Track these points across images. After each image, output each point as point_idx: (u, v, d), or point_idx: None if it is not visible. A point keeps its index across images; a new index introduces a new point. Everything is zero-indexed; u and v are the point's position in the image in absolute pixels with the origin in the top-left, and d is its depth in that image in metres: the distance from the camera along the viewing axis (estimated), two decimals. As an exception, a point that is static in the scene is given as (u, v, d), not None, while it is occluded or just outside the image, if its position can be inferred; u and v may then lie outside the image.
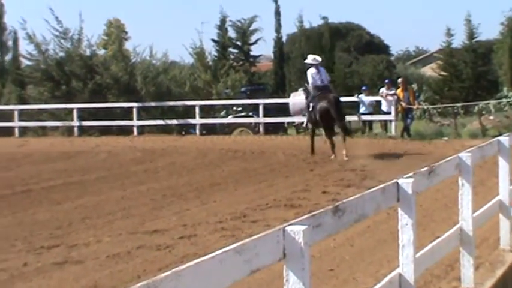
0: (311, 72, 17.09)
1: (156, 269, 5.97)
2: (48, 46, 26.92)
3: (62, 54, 27.02)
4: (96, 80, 26.15)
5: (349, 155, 15.25)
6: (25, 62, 28.99)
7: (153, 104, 25.17)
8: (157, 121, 24.49)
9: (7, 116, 25.40)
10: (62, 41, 26.82)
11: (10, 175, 13.61)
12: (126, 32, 27.93)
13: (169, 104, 25.38)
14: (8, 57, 29.69)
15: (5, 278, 5.91)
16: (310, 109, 16.92)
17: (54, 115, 25.87)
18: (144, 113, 25.02)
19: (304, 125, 18.22)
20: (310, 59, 17.39)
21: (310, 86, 17.14)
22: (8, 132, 24.64)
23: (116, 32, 27.39)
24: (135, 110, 24.02)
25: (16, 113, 25.03)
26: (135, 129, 23.86)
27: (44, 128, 25.76)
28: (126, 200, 10.26)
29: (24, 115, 25.60)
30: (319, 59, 17.40)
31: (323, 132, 16.82)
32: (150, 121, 24.51)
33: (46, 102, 26.15)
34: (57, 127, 25.39)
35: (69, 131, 24.68)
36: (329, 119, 16.26)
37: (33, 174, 13.62)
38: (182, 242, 7.25)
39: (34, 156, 18.04)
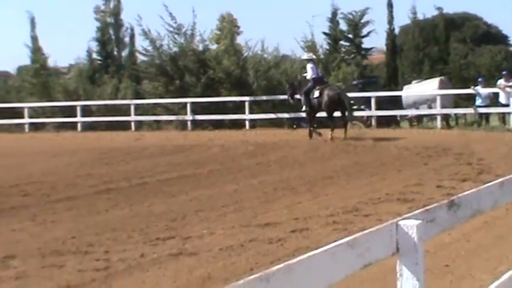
0: (310, 66, 20.28)
1: (268, 262, 6.03)
2: (162, 42, 27.65)
3: (175, 49, 27.67)
4: (209, 75, 26.57)
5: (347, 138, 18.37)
6: (140, 58, 29.92)
7: (264, 97, 25.37)
8: (268, 115, 24.68)
9: (124, 110, 26.32)
10: (175, 36, 27.47)
11: (127, 168, 14.09)
12: (238, 27, 28.29)
13: (280, 97, 25.51)
14: (124, 53, 30.74)
15: (123, 268, 6.13)
16: (315, 96, 19.69)
17: (168, 109, 26.56)
18: (255, 107, 25.27)
19: (304, 109, 20.62)
20: (308, 55, 21.25)
21: (309, 78, 20.07)
22: (124, 126, 25.51)
23: (228, 27, 27.79)
24: (247, 104, 24.30)
25: (132, 107, 25.88)
26: (247, 123, 24.15)
27: (158, 122, 26.50)
28: (238, 193, 10.41)
29: (139, 109, 26.44)
30: (314, 56, 21.72)
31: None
32: (261, 115, 24.72)
33: (160, 97, 26.88)
34: (171, 121, 26.04)
35: (182, 125, 25.28)
36: (337, 105, 19.33)
37: (149, 168, 14.04)
38: (294, 235, 7.28)
39: (149, 149, 18.59)
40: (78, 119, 26.74)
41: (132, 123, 25.65)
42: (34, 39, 30.27)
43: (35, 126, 27.78)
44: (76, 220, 8.37)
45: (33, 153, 18.20)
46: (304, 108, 20.75)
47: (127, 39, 30.54)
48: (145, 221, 8.26)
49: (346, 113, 19.61)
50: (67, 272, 5.98)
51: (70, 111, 26.99)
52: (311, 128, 20.11)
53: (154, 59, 28.01)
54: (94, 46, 30.35)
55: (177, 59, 27.35)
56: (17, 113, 27.96)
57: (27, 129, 27.37)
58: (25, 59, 31.62)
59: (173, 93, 26.79)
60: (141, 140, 21.90)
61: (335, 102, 19.58)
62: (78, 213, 8.85)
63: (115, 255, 6.53)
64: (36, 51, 30.25)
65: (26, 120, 27.61)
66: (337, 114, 19.63)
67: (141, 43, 28.80)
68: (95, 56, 30.30)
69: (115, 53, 30.58)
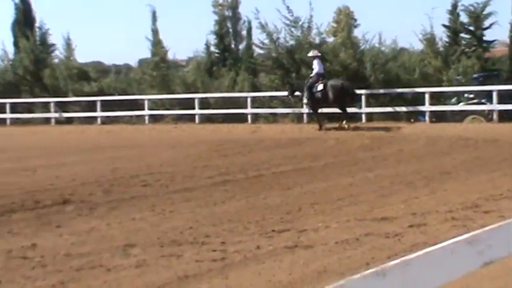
0: (316, 62, 22.87)
1: (384, 257, 5.97)
2: (279, 35, 27.78)
3: (292, 42, 27.74)
4: (325, 68, 26.51)
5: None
6: (257, 51, 30.18)
7: (381, 91, 25.04)
8: (385, 108, 24.34)
9: (241, 103, 26.68)
10: (292, 29, 27.52)
11: (243, 160, 14.28)
12: (355, 19, 28.06)
13: (398, 90, 25.10)
14: (241, 46, 31.10)
15: (239, 259, 6.23)
16: (319, 89, 21.95)
17: (284, 102, 26.68)
18: (372, 100, 24.98)
19: (305, 101, 22.70)
20: (314, 52, 23.46)
21: (314, 73, 22.48)
22: (241, 118, 25.86)
23: (345, 20, 27.61)
24: (363, 97, 24.06)
25: (249, 100, 26.20)
26: (363, 116, 23.93)
27: (274, 114, 26.68)
28: (354, 186, 10.35)
29: (256, 102, 26.72)
30: (319, 53, 23.63)
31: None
32: (378, 108, 24.42)
33: (277, 90, 27.05)
34: (287, 114, 26.17)
35: (298, 118, 25.34)
36: (343, 94, 21.72)
37: (265, 160, 14.18)
38: (411, 230, 7.17)
39: (265, 142, 18.76)
40: (196, 111, 27.34)
41: (249, 116, 25.96)
42: (155, 32, 31.13)
43: (154, 118, 28.64)
44: (194, 211, 8.57)
45: (152, 145, 18.78)
46: (305, 100, 22.72)
47: (244, 33, 30.88)
48: (261, 213, 8.36)
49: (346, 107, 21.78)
50: (185, 262, 6.14)
51: (188, 104, 27.64)
52: (319, 120, 22.18)
53: (271, 52, 28.19)
54: (212, 39, 30.87)
55: (293, 52, 27.41)
56: (138, 105, 28.92)
57: (147, 121, 28.26)
58: (146, 52, 32.58)
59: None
60: (258, 133, 22.13)
61: (340, 91, 21.81)
62: (196, 204, 9.06)
63: (231, 246, 6.64)
64: (157, 44, 31.09)
65: (146, 112, 28.51)
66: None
67: (258, 36, 29.08)
68: (212, 49, 30.82)
69: (232, 46, 30.98)
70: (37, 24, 34.28)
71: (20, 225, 7.78)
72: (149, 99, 28.97)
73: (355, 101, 22.82)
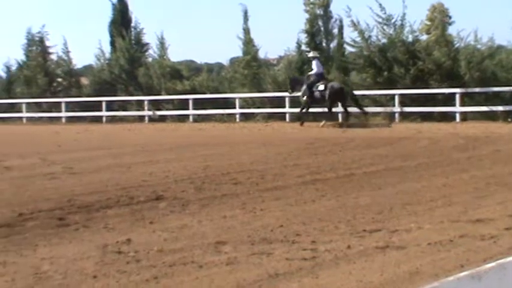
0: (315, 62, 24.41)
1: (480, 259, 5.82)
2: (371, 33, 27.52)
3: (384, 40, 27.42)
4: (418, 66, 26.08)
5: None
6: (349, 49, 29.99)
7: (477, 89, 24.42)
8: (481, 107, 23.72)
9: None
10: (384, 27, 27.22)
11: (334, 159, 14.21)
12: (450, 17, 27.44)
13: (494, 89, 24.41)
14: (332, 44, 30.95)
15: (329, 259, 6.21)
16: (320, 89, 23.61)
17: (376, 101, 26.39)
18: (467, 99, 24.39)
19: (304, 99, 24.21)
20: (314, 53, 25.31)
21: (313, 73, 24.06)
22: (332, 117, 25.75)
23: (439, 17, 27.05)
24: (457, 96, 23.53)
25: (340, 99, 26.03)
26: (457, 116, 23.40)
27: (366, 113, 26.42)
28: (447, 187, 10.13)
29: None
30: (318, 54, 25.42)
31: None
32: (473, 107, 23.82)
33: (368, 89, 26.78)
34: (378, 113, 25.87)
35: (390, 116, 25.01)
36: (339, 98, 23.59)
37: (356, 159, 14.06)
38: (508, 233, 6.96)
39: (356, 141, 18.61)
40: (287, 109, 27.39)
41: (339, 115, 25.82)
42: (246, 31, 31.38)
43: (245, 116, 28.88)
44: (284, 209, 8.59)
45: (243, 143, 18.93)
46: (304, 98, 24.21)
47: (335, 31, 30.73)
48: (351, 212, 8.30)
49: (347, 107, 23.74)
50: (275, 260, 6.16)
51: (279, 102, 27.73)
52: (302, 117, 24.27)
53: (362, 51, 27.95)
54: (303, 38, 30.86)
55: (385, 50, 27.09)
56: (229, 103, 29.24)
57: (238, 119, 28.52)
58: (237, 51, 32.91)
59: (381, 85, 26.60)
60: (348, 132, 21.98)
61: (338, 94, 23.61)
62: (286, 203, 9.07)
63: (322, 245, 6.62)
64: (248, 43, 31.34)
65: (237, 110, 28.79)
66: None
67: (349, 34, 28.92)
68: (303, 47, 30.81)
69: (323, 44, 30.88)
70: (132, 24, 35.16)
71: (115, 221, 7.99)
72: (240, 98, 29.23)
73: (358, 104, 24.12)
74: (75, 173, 12.49)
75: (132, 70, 33.66)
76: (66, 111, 33.17)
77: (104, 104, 31.90)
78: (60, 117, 33.24)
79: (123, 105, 32.82)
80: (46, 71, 35.70)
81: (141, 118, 31.59)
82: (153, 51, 34.57)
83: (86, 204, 9.01)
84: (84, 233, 7.36)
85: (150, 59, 34.69)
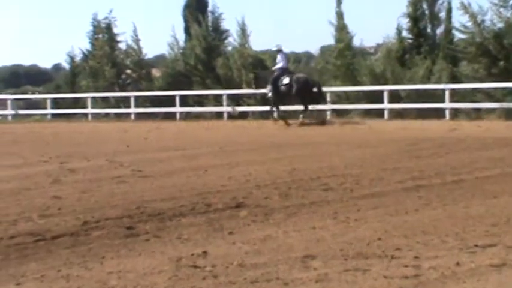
0: (280, 56, 26.49)
1: None
2: (484, 17, 26.97)
3: (500, 25, 26.81)
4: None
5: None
6: (458, 36, 29.46)
7: None
8: None
9: (437, 96, 26.16)
10: (501, 9, 26.65)
11: (440, 162, 13.98)
12: None
13: None
14: (439, 30, 30.47)
15: (435, 277, 6.10)
16: (284, 83, 25.53)
17: (490, 95, 25.85)
18: None
19: (270, 95, 26.27)
20: (278, 46, 27.03)
21: (278, 67, 26.09)
22: (438, 114, 25.38)
23: None
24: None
25: (447, 92, 25.64)
26: None
27: (478, 110, 25.90)
28: None
29: (456, 95, 26.09)
30: (283, 47, 27.34)
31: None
32: None
33: (481, 81, 26.24)
34: (493, 109, 25.32)
35: (508, 114, 24.45)
36: (307, 89, 25.40)
37: (466, 163, 13.79)
38: None
39: (467, 142, 18.27)
40: (385, 105, 27.17)
41: (447, 111, 25.44)
42: (339, 16, 31.27)
43: (337, 113, 28.79)
44: (382, 219, 8.51)
45: (335, 143, 18.86)
46: (269, 94, 26.25)
47: (442, 14, 30.24)
48: (461, 224, 8.14)
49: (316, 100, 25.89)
50: (372, 278, 6.10)
51: (376, 97, 27.53)
52: (276, 115, 26.36)
53: (474, 37, 27.42)
54: (404, 23, 30.54)
55: (502, 37, 26.49)
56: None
57: (328, 116, 28.45)
58: (328, 39, 32.87)
59: (496, 77, 26.02)
60: (457, 131, 21.61)
61: (305, 86, 25.43)
62: (385, 212, 8.98)
63: (426, 261, 6.52)
64: (341, 29, 31.23)
65: (328, 106, 28.72)
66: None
67: (458, 18, 28.45)
68: (405, 34, 30.49)
69: (428, 30, 30.45)
70: (209, 8, 35.55)
71: (190, 231, 8.08)
72: (332, 92, 29.14)
73: (321, 97, 26.43)
74: (145, 177, 12.71)
75: (210, 60, 34.05)
76: (136, 106, 33.80)
77: (177, 99, 32.37)
78: (129, 114, 33.91)
79: (199, 100, 33.24)
80: (113, 61, 36.50)
81: (219, 115, 31.91)
82: (233, 39, 34.94)
83: (157, 212, 9.15)
84: (156, 244, 7.47)
85: (229, 48, 35.04)
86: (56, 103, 36.34)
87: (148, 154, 16.96)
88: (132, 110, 33.76)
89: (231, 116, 31.04)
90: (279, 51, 26.96)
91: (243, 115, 31.14)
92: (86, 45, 38.11)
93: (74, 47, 38.65)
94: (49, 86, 45.85)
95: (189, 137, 23.28)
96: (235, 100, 31.92)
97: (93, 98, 35.19)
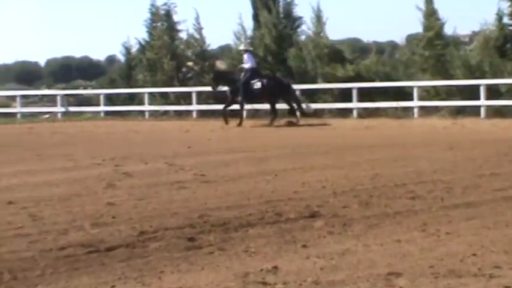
0: (247, 56, 28.11)
1: None
2: None
3: None
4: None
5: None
6: None
7: None
8: None
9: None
10: None
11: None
12: None
13: None
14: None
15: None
16: (257, 86, 27.41)
17: None
18: None
19: (240, 101, 27.88)
20: (245, 46, 29.47)
21: (246, 68, 27.73)
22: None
23: None
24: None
25: None
26: None
27: None
28: None
29: None
30: (251, 47, 30.04)
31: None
32: None
33: None
34: None
35: None
36: (280, 92, 27.83)
37: None
38: None
39: None
40: (482, 102, 26.83)
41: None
42: (428, 0, 30.97)
43: (425, 110, 28.53)
44: (478, 233, 8.40)
45: (423, 145, 18.69)
46: (240, 98, 27.75)
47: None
48: None
49: (292, 102, 27.91)
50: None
51: (471, 92, 27.19)
52: (224, 114, 28.21)
53: None
54: (505, 7, 30.04)
55: None
56: (405, 94, 28.97)
57: (415, 114, 28.24)
58: (416, 26, 32.60)
59: None
60: None
61: (277, 89, 27.66)
62: (481, 224, 8.86)
63: (529, 281, 6.42)
64: (430, 15, 30.92)
65: (415, 103, 28.52)
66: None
67: None
68: (506, 20, 30.00)
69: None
70: (281, -7, 35.57)
71: (258, 243, 8.10)
72: (419, 87, 28.90)
73: (292, 96, 28.19)
74: (208, 182, 12.79)
75: (280, 51, 34.09)
76: (198, 103, 34.03)
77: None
78: (190, 111, 34.14)
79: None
80: (173, 52, 36.81)
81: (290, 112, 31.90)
82: (306, 27, 34.91)
83: (222, 222, 9.19)
84: (220, 258, 7.51)
85: (302, 37, 35.02)
86: (110, 99, 36.82)
87: (211, 156, 17.07)
88: (194, 107, 33.98)
89: (305, 114, 30.99)
90: (247, 50, 28.67)
91: (318, 113, 31.07)
92: (143, 35, 38.53)
93: (129, 37, 39.12)
94: (102, 80, 46.49)
95: (257, 137, 23.34)
96: (309, 96, 31.88)
97: (150, 93, 35.50)
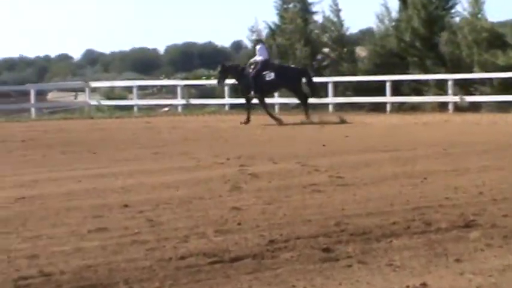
0: (260, 47, 29.17)
1: None
2: None
3: None
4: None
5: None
6: None
7: None
8: None
9: None
10: None
11: None
12: None
13: None
14: None
15: None
16: (269, 78, 28.39)
17: None
18: None
19: (252, 96, 28.76)
20: (257, 36, 31.56)
21: (259, 60, 28.60)
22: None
23: None
24: None
25: None
26: None
27: None
28: None
29: None
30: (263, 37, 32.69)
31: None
32: None
33: None
34: None
35: None
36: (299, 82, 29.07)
37: None
38: None
39: None
40: None
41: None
42: None
43: None
44: None
45: None
46: (252, 93, 28.59)
47: None
48: None
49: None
50: None
51: None
52: (270, 113, 28.98)
53: None
54: None
55: None
56: None
57: None
58: None
59: None
60: None
61: (298, 75, 29.40)
62: None
63: None
64: None
65: None
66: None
67: None
68: None
69: None
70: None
71: (403, 256, 8.03)
72: None
73: (314, 88, 29.58)
74: (346, 185, 12.77)
75: (431, 35, 33.74)
76: (335, 95, 33.99)
77: (388, 86, 32.28)
78: (325, 105, 34.04)
79: (417, 87, 32.98)
80: (307, 38, 36.92)
81: (442, 106, 31.53)
82: (462, 8, 34.39)
83: (361, 230, 9.16)
84: (360, 272, 7.48)
85: (457, 19, 34.52)
86: (236, 90, 37.08)
87: (350, 156, 17.03)
88: (330, 99, 33.96)
89: (459, 108, 30.58)
90: (259, 41, 30.30)
91: (475, 106, 30.59)
92: (273, 18, 38.77)
93: (258, 21, 39.39)
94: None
95: (402, 134, 23.16)
96: (465, 87, 31.41)
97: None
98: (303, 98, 29.09)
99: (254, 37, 29.98)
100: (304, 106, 28.90)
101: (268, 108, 29.35)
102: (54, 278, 7.23)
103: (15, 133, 26.71)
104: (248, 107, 29.08)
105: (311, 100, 29.08)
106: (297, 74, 29.76)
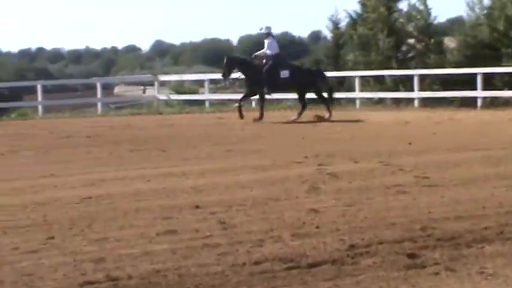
0: (269, 41, 29.32)
1: None
2: None
3: None
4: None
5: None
6: None
7: None
8: None
9: None
10: None
11: None
12: None
13: None
14: None
15: None
16: (285, 76, 28.61)
17: None
18: None
19: (265, 92, 29.10)
20: (267, 29, 29.68)
21: (270, 54, 28.99)
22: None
23: None
24: None
25: None
26: None
27: None
28: None
29: None
30: (272, 30, 30.43)
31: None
32: None
33: None
34: None
35: None
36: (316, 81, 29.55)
37: None
38: None
39: None
40: None
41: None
42: None
43: None
44: None
45: None
46: (265, 90, 29.00)
47: None
48: None
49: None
50: None
51: None
52: (261, 108, 29.09)
53: None
54: None
55: None
56: None
57: None
58: None
59: None
60: None
61: (314, 75, 29.96)
62: None
63: None
64: None
65: None
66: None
67: None
68: None
69: None
70: None
71: (496, 263, 7.95)
72: None
73: (328, 87, 29.81)
74: (432, 186, 12.70)
75: (526, 25, 33.28)
76: (421, 89, 33.74)
77: (479, 79, 31.90)
78: (411, 99, 33.88)
79: (511, 81, 32.58)
80: (391, 27, 36.67)
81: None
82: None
83: (450, 235, 9.10)
84: (448, 280, 7.44)
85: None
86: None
87: (437, 155, 16.92)
88: (416, 94, 33.69)
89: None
90: (268, 34, 29.79)
91: None
92: (354, 7, 38.64)
93: (338, 9, 39.36)
94: (305, 60, 46.91)
95: (495, 131, 22.90)
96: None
97: (362, 77, 35.46)
98: (321, 97, 29.34)
99: (263, 30, 29.71)
100: (325, 103, 29.03)
101: (263, 107, 29.35)
102: (122, 283, 7.31)
103: (80, 129, 27.04)
104: (261, 103, 29.42)
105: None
106: (312, 76, 29.89)
